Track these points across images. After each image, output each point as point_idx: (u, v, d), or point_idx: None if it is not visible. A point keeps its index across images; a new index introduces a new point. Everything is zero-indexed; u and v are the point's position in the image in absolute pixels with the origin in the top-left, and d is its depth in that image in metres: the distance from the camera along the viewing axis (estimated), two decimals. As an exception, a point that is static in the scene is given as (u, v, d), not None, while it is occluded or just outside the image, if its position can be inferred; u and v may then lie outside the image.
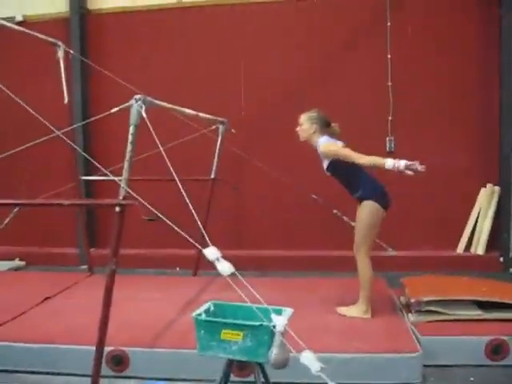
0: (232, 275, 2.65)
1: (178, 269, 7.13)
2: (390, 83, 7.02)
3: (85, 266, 6.60)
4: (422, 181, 6.95)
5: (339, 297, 5.00)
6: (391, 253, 6.99)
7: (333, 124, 4.82)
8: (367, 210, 4.59)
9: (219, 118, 5.89)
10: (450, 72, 6.98)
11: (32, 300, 4.99)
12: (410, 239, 7.02)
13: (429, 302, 4.33)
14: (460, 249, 7.03)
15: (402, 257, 6.92)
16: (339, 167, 4.61)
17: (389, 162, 4.22)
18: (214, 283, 5.44)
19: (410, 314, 4.46)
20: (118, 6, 7.70)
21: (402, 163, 4.15)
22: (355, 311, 4.56)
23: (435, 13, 6.97)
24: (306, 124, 4.75)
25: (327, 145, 4.61)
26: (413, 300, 4.43)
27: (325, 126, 4.75)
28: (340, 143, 4.69)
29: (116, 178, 3.45)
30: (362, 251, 4.69)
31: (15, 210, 7.59)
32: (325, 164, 4.70)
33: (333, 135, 4.77)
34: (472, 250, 6.98)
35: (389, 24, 7.01)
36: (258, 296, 2.65)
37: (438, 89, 7.01)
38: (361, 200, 4.65)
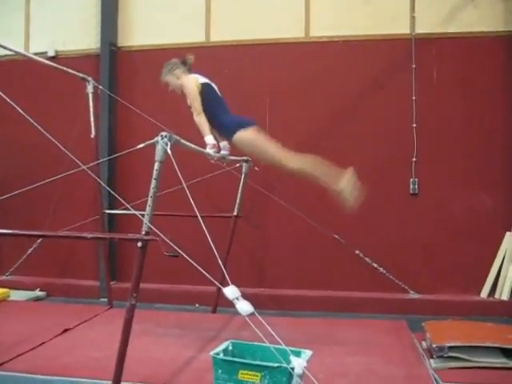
0: (251, 315, 2.63)
1: (197, 305, 7.09)
2: (414, 125, 7.03)
3: (105, 299, 6.60)
4: (446, 224, 6.93)
5: (359, 338, 4.92)
6: (413, 296, 6.91)
7: (187, 57, 5.05)
8: (246, 139, 4.63)
9: (243, 157, 5.92)
10: (475, 115, 6.95)
11: (51, 331, 4.99)
12: (433, 283, 6.90)
13: (452, 348, 4.23)
14: (484, 294, 6.87)
15: (424, 300, 6.82)
16: None
17: (208, 140, 4.58)
18: (233, 321, 5.40)
19: (431, 360, 4.35)
20: (147, 44, 7.87)
21: (210, 150, 4.55)
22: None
23: (461, 56, 7.00)
24: (169, 78, 4.98)
25: (187, 80, 4.85)
26: (435, 345, 4.33)
27: (184, 66, 4.98)
28: (202, 79, 4.88)
29: (138, 213, 3.48)
30: (283, 159, 4.62)
31: (38, 240, 7.71)
32: (187, 101, 4.89)
33: (190, 69, 5.00)
34: (496, 295, 6.82)
35: (414, 66, 7.06)
36: (276, 337, 2.62)
37: (463, 132, 6.97)
38: (231, 136, 4.69)
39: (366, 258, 6.96)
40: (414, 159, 7.04)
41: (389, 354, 4.52)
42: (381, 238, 7.04)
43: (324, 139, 7.28)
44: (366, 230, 7.03)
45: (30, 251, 7.86)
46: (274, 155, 4.62)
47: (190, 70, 5.03)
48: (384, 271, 6.94)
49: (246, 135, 4.62)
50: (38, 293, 7.65)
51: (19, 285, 7.65)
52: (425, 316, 5.80)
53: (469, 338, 4.36)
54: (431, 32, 7.07)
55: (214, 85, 4.99)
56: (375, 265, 6.94)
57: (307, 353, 2.84)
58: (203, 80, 4.90)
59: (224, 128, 4.72)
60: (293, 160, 4.60)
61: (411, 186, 7.06)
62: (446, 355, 4.24)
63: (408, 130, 7.04)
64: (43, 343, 4.65)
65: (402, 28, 7.16)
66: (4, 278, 7.97)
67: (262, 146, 4.65)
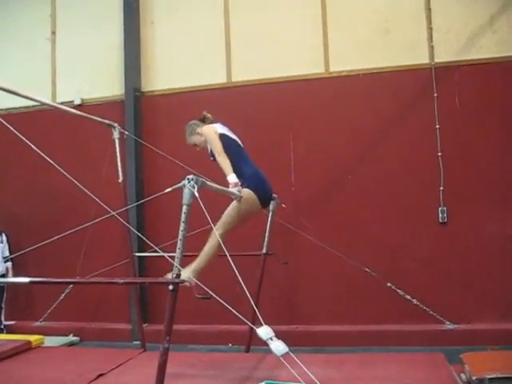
0: (286, 354, 2.61)
1: (230, 345, 7.05)
2: (439, 153, 6.99)
3: (138, 342, 6.60)
4: (478, 251, 6.82)
5: (397, 373, 4.81)
6: (449, 326, 6.77)
7: (204, 113, 5.04)
8: (243, 197, 4.52)
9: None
10: (500, 140, 6.90)
11: (86, 377, 4.97)
12: (468, 312, 6.76)
13: (492, 380, 4.12)
14: (523, 321, 6.72)
15: (461, 331, 6.67)
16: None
17: (231, 178, 4.46)
18: (267, 360, 5.32)
19: (472, 393, 4.25)
20: (170, 88, 8.04)
21: (233, 189, 4.40)
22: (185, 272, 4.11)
23: (482, 82, 6.99)
24: (194, 139, 4.98)
25: (205, 129, 4.83)
26: (475, 377, 4.22)
27: (203, 123, 4.98)
28: (220, 129, 4.85)
29: (166, 255, 3.49)
30: (219, 232, 4.33)
31: (70, 286, 7.78)
32: (209, 149, 4.86)
33: (212, 122, 4.99)
34: (535, 322, 6.66)
35: (436, 95, 7.06)
36: (312, 376, 2.59)
37: (489, 157, 6.92)
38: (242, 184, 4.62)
39: (399, 290, 6.86)
40: (442, 188, 6.99)
41: (428, 388, 4.42)
42: (412, 269, 6.95)
43: (349, 172, 7.29)
44: (396, 262, 6.96)
45: (62, 297, 7.93)
46: (225, 226, 4.48)
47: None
48: (418, 303, 6.82)
49: (248, 197, 4.57)
50: (71, 338, 7.70)
51: (53, 331, 7.71)
52: (462, 347, 5.66)
53: (509, 368, 4.24)
54: (451, 60, 7.10)
55: (233, 135, 4.97)
56: (408, 296, 6.84)
57: (344, 391, 2.80)
58: (221, 130, 4.90)
59: (241, 178, 4.68)
60: (217, 247, 4.35)
61: (440, 215, 6.98)
62: (486, 387, 4.14)
63: (433, 158, 7.01)
64: (79, 390, 4.64)
65: (421, 58, 7.20)
66: (38, 324, 8.05)
67: (235, 214, 4.55)
